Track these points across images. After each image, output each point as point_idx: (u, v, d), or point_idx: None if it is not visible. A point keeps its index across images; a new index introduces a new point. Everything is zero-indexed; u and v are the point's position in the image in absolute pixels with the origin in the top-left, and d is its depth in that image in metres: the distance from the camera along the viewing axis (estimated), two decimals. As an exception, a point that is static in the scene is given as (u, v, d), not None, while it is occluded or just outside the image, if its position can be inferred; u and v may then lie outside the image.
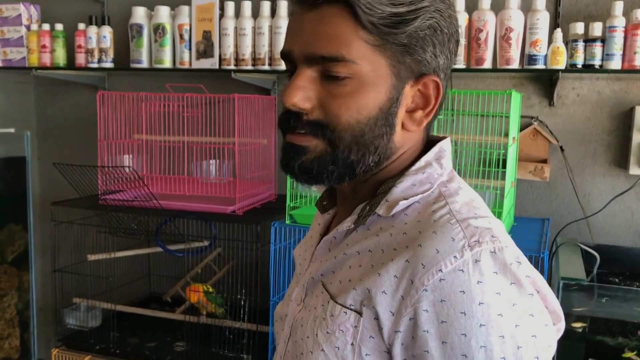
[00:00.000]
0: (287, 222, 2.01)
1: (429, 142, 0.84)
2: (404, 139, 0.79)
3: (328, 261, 0.81)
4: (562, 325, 0.73)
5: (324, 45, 0.72)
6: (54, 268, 2.31)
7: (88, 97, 2.84)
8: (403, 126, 0.78)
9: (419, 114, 0.78)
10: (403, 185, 0.78)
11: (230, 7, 2.29)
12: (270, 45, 2.26)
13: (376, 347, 0.71)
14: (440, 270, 0.67)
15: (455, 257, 0.67)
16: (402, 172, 0.80)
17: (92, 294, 2.37)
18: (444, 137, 0.84)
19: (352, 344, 0.72)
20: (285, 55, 0.76)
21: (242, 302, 2.10)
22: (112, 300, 2.37)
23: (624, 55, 1.92)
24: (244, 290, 2.11)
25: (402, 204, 0.76)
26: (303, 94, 0.74)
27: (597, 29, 1.93)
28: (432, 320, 0.67)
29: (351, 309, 0.73)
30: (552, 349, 0.71)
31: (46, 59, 2.53)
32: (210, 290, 2.23)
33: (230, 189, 2.19)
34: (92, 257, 2.32)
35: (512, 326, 0.66)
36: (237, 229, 2.18)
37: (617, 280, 1.95)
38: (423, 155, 0.82)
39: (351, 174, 0.77)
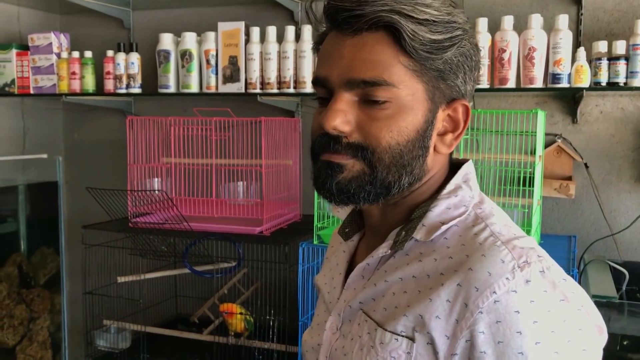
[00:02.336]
0: (315, 242, 2.03)
1: (452, 165, 0.86)
2: (434, 161, 0.81)
3: (366, 288, 0.82)
4: (605, 337, 0.74)
5: (366, 70, 0.74)
6: (85, 290, 2.34)
7: (115, 122, 2.90)
8: (435, 149, 0.80)
9: (449, 137, 0.81)
10: (438, 209, 0.79)
11: (255, 33, 2.34)
12: (295, 68, 2.30)
13: None
14: (495, 292, 0.69)
15: (507, 278, 0.70)
16: (432, 195, 0.82)
17: (121, 315, 2.40)
18: (465, 160, 0.86)
19: None
20: (320, 80, 0.78)
21: (271, 323, 2.12)
22: (140, 322, 2.39)
23: (647, 72, 1.93)
24: (272, 311, 2.13)
25: (442, 228, 0.77)
26: (343, 117, 0.76)
27: (620, 47, 1.95)
28: (488, 342, 0.69)
29: (402, 336, 0.74)
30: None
31: (76, 86, 2.59)
32: (248, 317, 2.26)
33: (257, 210, 2.22)
34: (121, 279, 2.35)
35: (565, 342, 0.68)
36: (265, 250, 2.21)
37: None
38: (449, 177, 0.84)
39: (386, 194, 0.78)
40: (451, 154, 0.86)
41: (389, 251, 0.81)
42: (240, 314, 2.23)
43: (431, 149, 0.79)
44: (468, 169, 0.84)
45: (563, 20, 1.99)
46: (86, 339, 2.38)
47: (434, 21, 0.74)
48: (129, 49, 2.55)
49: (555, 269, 0.73)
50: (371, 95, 0.75)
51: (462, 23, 0.78)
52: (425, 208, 0.80)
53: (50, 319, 2.32)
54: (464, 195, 0.81)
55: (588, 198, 2.25)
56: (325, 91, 0.78)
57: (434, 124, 0.78)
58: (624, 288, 1.94)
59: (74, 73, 2.58)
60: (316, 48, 0.86)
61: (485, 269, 0.71)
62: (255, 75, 2.34)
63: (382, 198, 0.79)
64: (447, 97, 0.79)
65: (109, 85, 2.56)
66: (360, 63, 0.74)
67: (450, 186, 0.81)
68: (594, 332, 0.72)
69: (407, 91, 0.75)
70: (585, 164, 2.24)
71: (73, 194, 2.99)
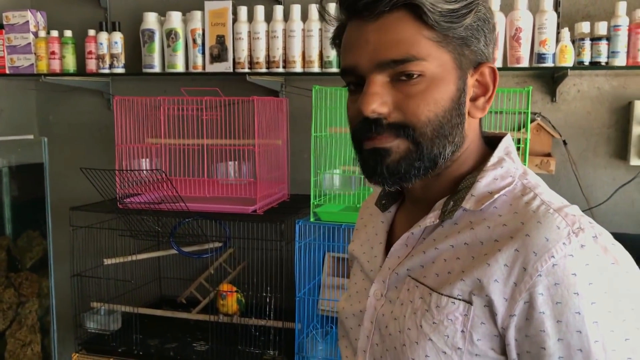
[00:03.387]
0: (312, 219, 2.06)
1: (486, 138, 0.90)
2: (469, 128, 0.85)
3: (414, 256, 0.86)
4: None
5: (394, 50, 0.77)
6: (73, 273, 2.31)
7: (92, 103, 2.85)
8: (469, 114, 0.83)
9: (480, 101, 0.84)
10: (485, 180, 0.83)
11: (243, 12, 2.34)
12: (285, 48, 2.31)
13: (487, 332, 0.77)
14: (553, 256, 0.73)
15: (564, 243, 0.74)
16: (474, 167, 0.86)
17: (108, 298, 2.38)
18: (502, 134, 0.90)
19: (462, 331, 0.78)
20: (349, 69, 0.81)
21: (267, 300, 2.15)
22: (128, 303, 2.39)
23: (628, 52, 2.03)
24: (268, 288, 2.15)
25: (493, 197, 0.81)
26: (380, 100, 0.78)
27: (602, 27, 2.04)
28: (547, 302, 0.73)
29: (459, 299, 0.78)
30: None
31: (55, 66, 2.53)
32: (240, 296, 2.28)
33: (249, 190, 2.23)
34: (108, 261, 2.33)
35: (617, 301, 0.73)
36: (258, 229, 2.23)
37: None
38: (486, 150, 0.88)
39: (434, 166, 0.82)
40: (481, 125, 0.89)
41: (437, 221, 0.84)
42: (237, 291, 2.25)
43: (466, 116, 0.83)
44: (508, 142, 0.88)
45: (548, 2, 2.06)
46: (75, 322, 2.35)
47: None
48: (111, 28, 2.51)
49: (606, 235, 0.77)
50: (403, 71, 0.77)
51: None
52: (472, 179, 0.84)
53: (39, 302, 2.28)
54: (509, 167, 0.84)
55: (566, 174, 2.36)
56: (355, 79, 0.81)
57: (465, 90, 0.82)
58: (603, 258, 2.04)
59: (53, 53, 2.52)
60: (334, 42, 0.89)
61: (542, 235, 0.74)
62: (243, 55, 2.34)
63: (430, 171, 0.82)
64: (473, 63, 0.82)
65: (91, 65, 2.51)
66: (386, 44, 0.77)
67: (494, 158, 0.85)
68: None
69: (435, 63, 0.78)
70: (564, 141, 2.34)
71: (51, 175, 2.93)
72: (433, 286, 0.82)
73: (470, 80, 0.82)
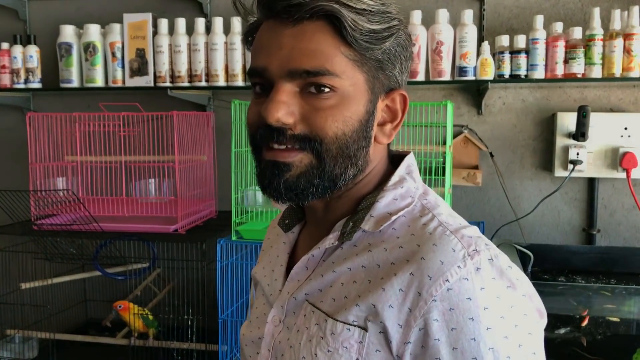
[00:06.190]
0: (234, 238, 2.00)
1: (392, 157, 0.87)
2: (375, 152, 0.81)
3: (312, 280, 0.81)
4: (545, 321, 0.77)
5: (308, 60, 0.73)
6: (-16, 300, 2.19)
7: (11, 119, 2.72)
8: (375, 139, 0.80)
9: (388, 127, 0.81)
10: (385, 200, 0.80)
11: (163, 25, 2.27)
12: (207, 61, 2.25)
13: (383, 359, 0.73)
14: (447, 280, 0.70)
15: (459, 266, 0.71)
16: (377, 187, 0.82)
17: (27, 323, 2.26)
18: (406, 152, 0.87)
19: (357, 359, 0.73)
20: (258, 71, 0.76)
21: (190, 322, 2.07)
22: (49, 329, 2.27)
23: (546, 65, 2.05)
24: (190, 310, 2.08)
25: (391, 219, 0.77)
26: (286, 109, 0.74)
27: (521, 41, 2.05)
28: (442, 329, 0.70)
29: (354, 325, 0.74)
30: (542, 342, 0.75)
31: (-33, 81, 2.41)
32: (147, 314, 2.19)
33: (171, 208, 2.15)
34: (25, 286, 2.22)
35: (512, 327, 0.70)
36: (180, 248, 2.15)
37: (548, 276, 2.07)
38: (390, 169, 0.84)
39: (333, 187, 0.78)
40: (389, 145, 0.86)
41: (336, 242, 0.80)
42: (144, 317, 2.16)
43: (372, 140, 0.79)
44: (410, 161, 0.85)
45: (468, 16, 2.07)
46: (-13, 352, 2.23)
47: (371, 11, 0.74)
48: (26, 42, 2.40)
49: (502, 257, 0.74)
50: (314, 84, 0.73)
51: (396, 14, 0.78)
52: (372, 199, 0.80)
53: (-54, 332, 2.15)
54: (409, 187, 0.81)
55: (494, 186, 2.36)
56: (263, 82, 0.77)
57: (375, 114, 0.78)
58: (529, 269, 2.05)
59: (-36, 67, 2.40)
60: (246, 40, 0.84)
61: (437, 258, 0.72)
62: (164, 69, 2.27)
63: (329, 192, 0.78)
64: (385, 88, 0.79)
65: (5, 80, 2.40)
66: (301, 53, 0.73)
67: (395, 178, 0.82)
68: (536, 316, 0.75)
69: (349, 81, 0.74)
70: (491, 153, 2.35)
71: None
72: (329, 311, 0.77)
73: (381, 105, 0.79)
